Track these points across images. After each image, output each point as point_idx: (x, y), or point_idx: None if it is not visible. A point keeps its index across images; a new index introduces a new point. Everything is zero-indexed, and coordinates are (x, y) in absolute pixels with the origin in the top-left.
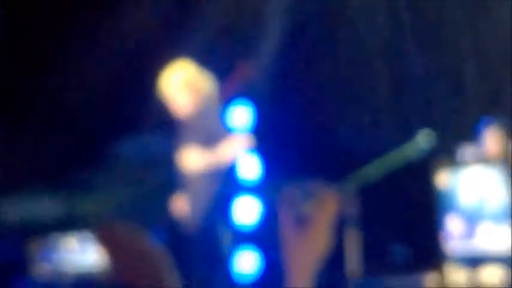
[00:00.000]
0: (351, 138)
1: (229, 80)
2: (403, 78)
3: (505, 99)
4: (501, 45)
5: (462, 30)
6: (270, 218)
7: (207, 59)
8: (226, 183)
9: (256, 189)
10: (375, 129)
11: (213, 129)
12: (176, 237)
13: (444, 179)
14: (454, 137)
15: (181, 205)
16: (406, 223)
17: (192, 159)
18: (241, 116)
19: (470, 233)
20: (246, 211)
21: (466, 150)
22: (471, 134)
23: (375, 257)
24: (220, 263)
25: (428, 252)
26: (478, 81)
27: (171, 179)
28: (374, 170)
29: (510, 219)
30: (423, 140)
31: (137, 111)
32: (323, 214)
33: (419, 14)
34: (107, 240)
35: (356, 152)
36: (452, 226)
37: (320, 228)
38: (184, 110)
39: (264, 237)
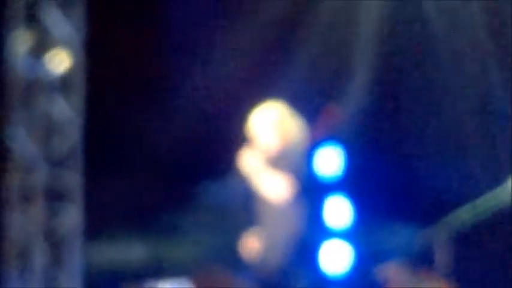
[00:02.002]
0: (442, 183)
1: (319, 123)
2: (495, 120)
3: None
4: None
5: None
6: (360, 265)
7: (296, 101)
8: (312, 227)
9: (346, 235)
10: (466, 174)
11: (297, 171)
12: (264, 281)
13: None
14: None
15: (254, 245)
16: (498, 271)
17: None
18: (331, 159)
19: None
20: (336, 257)
21: None
22: None
23: None
24: None
25: None
26: None
27: (255, 223)
28: (464, 215)
29: None
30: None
31: (226, 156)
32: None
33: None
34: (204, 285)
35: (446, 197)
36: None
37: None
38: (271, 149)
39: (353, 284)
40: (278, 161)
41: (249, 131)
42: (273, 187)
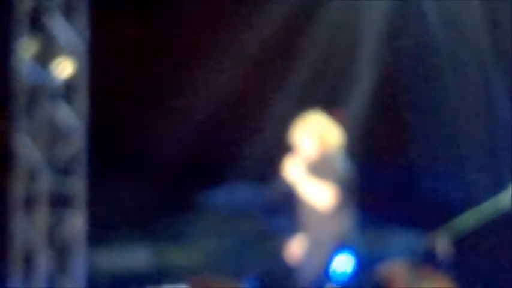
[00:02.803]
0: (445, 188)
1: None
2: (497, 127)
3: None
4: None
5: None
6: (360, 269)
7: (302, 105)
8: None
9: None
10: (469, 179)
11: (337, 179)
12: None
13: None
14: None
15: (296, 251)
16: (500, 274)
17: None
18: None
19: None
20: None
21: None
22: None
23: None
24: None
25: None
26: None
27: (261, 228)
28: (468, 220)
29: None
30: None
31: (230, 162)
32: None
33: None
34: None
35: (450, 202)
36: None
37: None
38: (313, 157)
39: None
40: (319, 169)
41: (292, 140)
42: (318, 194)
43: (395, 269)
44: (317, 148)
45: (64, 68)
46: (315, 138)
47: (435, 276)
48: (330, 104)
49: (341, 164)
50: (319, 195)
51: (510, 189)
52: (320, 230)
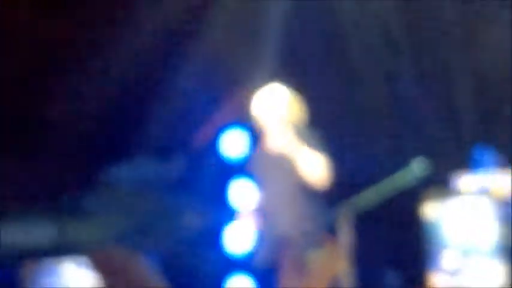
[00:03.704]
0: (346, 165)
1: (226, 106)
2: (399, 104)
3: (501, 127)
4: (497, 73)
5: (458, 57)
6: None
7: (203, 84)
8: (217, 209)
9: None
10: (370, 156)
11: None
12: (169, 262)
13: (434, 209)
14: (449, 164)
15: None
16: (398, 250)
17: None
18: (237, 142)
19: (459, 267)
20: (240, 238)
21: (460, 180)
22: (466, 162)
23: (368, 282)
24: None
25: (418, 282)
26: (473, 109)
27: (164, 203)
28: (369, 197)
29: (501, 255)
30: (417, 167)
31: (132, 137)
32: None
33: (415, 42)
34: (102, 265)
35: (351, 179)
36: (441, 259)
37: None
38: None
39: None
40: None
41: (252, 113)
42: (313, 163)
43: None
44: (280, 122)
45: None
46: (277, 111)
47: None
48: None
49: (307, 140)
50: (313, 164)
51: (412, 166)
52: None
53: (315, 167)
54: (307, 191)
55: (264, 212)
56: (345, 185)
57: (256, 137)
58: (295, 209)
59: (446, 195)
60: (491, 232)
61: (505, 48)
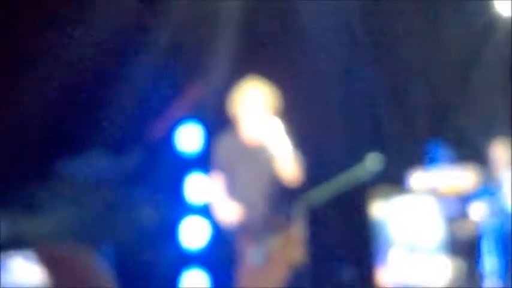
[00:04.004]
0: (301, 160)
1: (181, 100)
2: (354, 101)
3: (454, 125)
4: (450, 70)
5: (412, 53)
6: (219, 239)
7: (158, 79)
8: (172, 203)
9: (205, 210)
10: (325, 151)
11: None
12: (124, 257)
13: (382, 207)
14: (402, 160)
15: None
16: (351, 246)
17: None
18: (192, 136)
19: (406, 264)
20: (195, 233)
21: (412, 177)
22: (420, 159)
23: (322, 277)
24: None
25: (369, 277)
26: (427, 105)
27: (117, 198)
28: (323, 192)
29: (447, 251)
30: (371, 163)
31: (86, 131)
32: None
33: (372, 40)
34: (48, 261)
35: (305, 173)
36: (389, 256)
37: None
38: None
39: (213, 259)
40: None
41: (231, 109)
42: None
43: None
44: (258, 117)
45: None
46: (254, 106)
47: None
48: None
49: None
50: (287, 158)
51: (365, 162)
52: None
53: (289, 161)
54: (277, 183)
55: (233, 199)
56: (300, 180)
57: (210, 130)
58: (265, 198)
59: (395, 193)
60: (438, 229)
61: (458, 47)
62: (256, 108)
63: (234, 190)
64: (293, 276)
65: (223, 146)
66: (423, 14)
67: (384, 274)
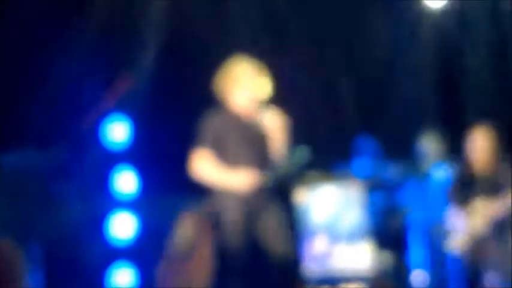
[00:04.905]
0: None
1: (108, 93)
2: (282, 93)
3: (382, 117)
4: (379, 64)
5: (341, 47)
6: (146, 234)
7: (84, 72)
8: (99, 197)
9: (132, 205)
10: None
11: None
12: (51, 251)
13: (306, 195)
14: (331, 152)
15: None
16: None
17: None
18: (119, 129)
19: (328, 252)
20: (122, 226)
21: (336, 167)
22: (347, 151)
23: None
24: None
25: (290, 270)
26: (357, 99)
27: (46, 193)
28: None
29: (366, 238)
30: (299, 155)
31: (13, 126)
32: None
33: (302, 35)
34: None
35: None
36: (311, 245)
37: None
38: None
39: (140, 252)
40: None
41: (217, 91)
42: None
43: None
44: (246, 100)
45: None
46: (243, 89)
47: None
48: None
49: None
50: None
51: (292, 154)
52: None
53: (280, 140)
54: (267, 158)
55: None
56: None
57: (137, 124)
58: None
59: (321, 181)
60: (364, 220)
61: (386, 41)
62: (245, 85)
63: (224, 163)
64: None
65: (212, 120)
66: (352, 8)
67: (307, 263)
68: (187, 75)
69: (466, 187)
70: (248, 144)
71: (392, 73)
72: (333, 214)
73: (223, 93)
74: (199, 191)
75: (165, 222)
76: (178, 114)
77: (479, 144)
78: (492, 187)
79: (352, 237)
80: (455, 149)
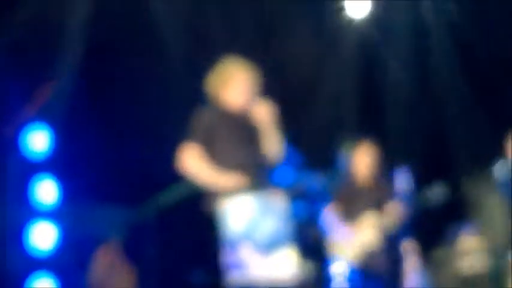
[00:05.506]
0: (149, 163)
1: (31, 102)
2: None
3: (303, 127)
4: (300, 74)
5: (263, 56)
6: (66, 244)
7: (6, 80)
8: (19, 206)
9: (52, 215)
10: (171, 154)
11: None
12: None
13: (228, 205)
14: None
15: None
16: (198, 248)
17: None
18: (40, 138)
19: (249, 261)
20: (43, 236)
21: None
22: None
23: (173, 280)
24: None
25: (220, 278)
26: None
27: None
28: (170, 195)
29: (288, 248)
30: (437, 192)
31: None
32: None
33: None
34: None
35: (154, 176)
36: (232, 254)
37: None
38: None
39: (61, 263)
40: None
41: (209, 90)
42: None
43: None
44: (238, 98)
45: None
46: (235, 87)
47: None
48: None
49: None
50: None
51: None
52: None
53: (271, 137)
54: (259, 156)
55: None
56: (148, 183)
57: (58, 133)
58: (244, 168)
59: (243, 192)
60: (280, 227)
61: (308, 50)
62: (237, 86)
63: (215, 161)
64: (142, 279)
65: (204, 116)
66: (276, 17)
67: (231, 273)
68: (108, 84)
69: (350, 200)
70: (239, 141)
71: (313, 83)
72: (253, 223)
73: (215, 92)
74: (120, 201)
75: (86, 233)
76: (99, 124)
77: (362, 159)
78: (375, 201)
79: (273, 246)
80: None
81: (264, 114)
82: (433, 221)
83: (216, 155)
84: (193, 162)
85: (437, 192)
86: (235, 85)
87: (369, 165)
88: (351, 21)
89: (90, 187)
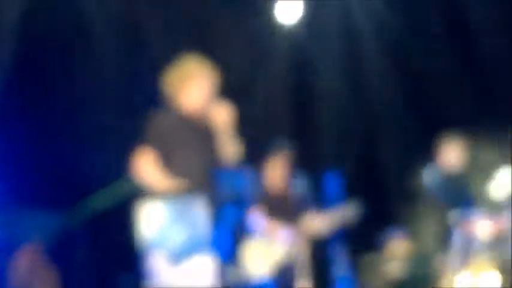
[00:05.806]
0: (80, 169)
1: None
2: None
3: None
4: (230, 82)
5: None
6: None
7: None
8: None
9: None
10: (102, 161)
11: None
12: None
13: (147, 210)
14: None
15: None
16: (126, 253)
17: None
18: None
19: (167, 268)
20: None
21: None
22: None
23: (101, 285)
24: None
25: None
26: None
27: None
28: (102, 199)
29: (208, 254)
30: (352, 208)
31: None
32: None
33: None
34: None
35: (84, 181)
36: (146, 263)
37: None
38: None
39: None
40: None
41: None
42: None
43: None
44: (196, 98)
45: None
46: (193, 87)
47: None
48: None
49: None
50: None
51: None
52: None
53: (231, 145)
54: (214, 160)
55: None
56: (78, 188)
57: None
58: (200, 174)
59: (157, 196)
60: (199, 234)
61: (240, 58)
62: (194, 85)
63: (170, 165)
64: (69, 283)
65: (158, 120)
66: (208, 21)
67: (148, 282)
68: (41, 86)
69: (267, 210)
70: (194, 144)
71: (244, 88)
72: (164, 230)
73: (172, 92)
74: (49, 205)
75: (12, 236)
76: (29, 126)
77: (275, 172)
78: (290, 212)
79: (186, 254)
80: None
81: (222, 116)
82: (361, 227)
83: (171, 160)
84: (147, 168)
85: (352, 209)
86: (193, 85)
87: (283, 177)
88: (282, 27)
89: (22, 190)
